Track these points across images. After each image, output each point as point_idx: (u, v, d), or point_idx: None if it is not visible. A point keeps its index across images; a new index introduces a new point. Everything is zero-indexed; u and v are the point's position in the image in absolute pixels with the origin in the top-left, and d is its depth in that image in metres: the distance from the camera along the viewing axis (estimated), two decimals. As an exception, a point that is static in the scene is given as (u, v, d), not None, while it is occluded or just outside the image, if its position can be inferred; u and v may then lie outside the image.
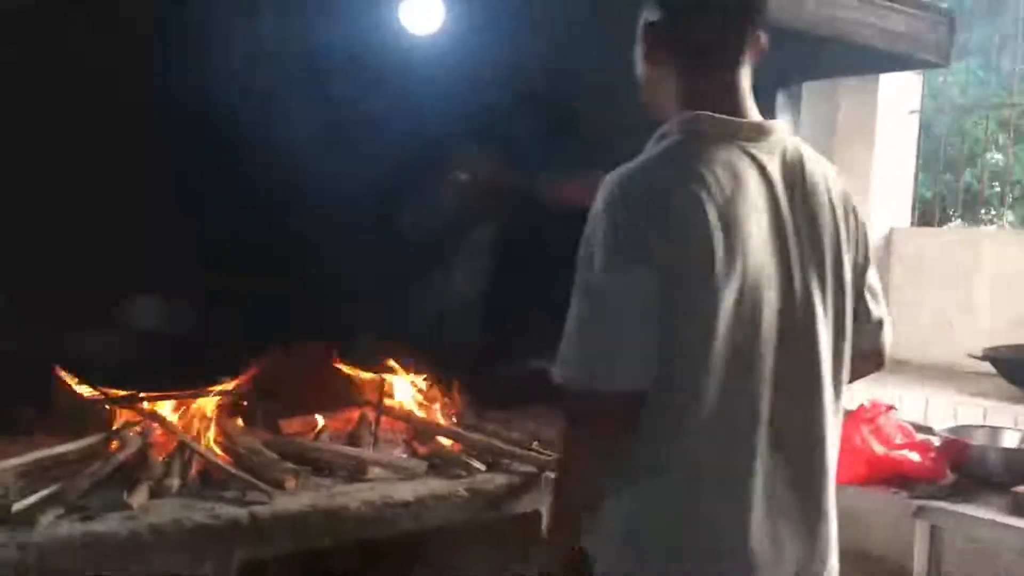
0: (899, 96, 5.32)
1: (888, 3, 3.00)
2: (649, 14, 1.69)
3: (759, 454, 1.57)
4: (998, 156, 11.97)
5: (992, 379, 4.65)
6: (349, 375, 3.32)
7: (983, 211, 10.79)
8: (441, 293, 3.64)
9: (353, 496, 2.62)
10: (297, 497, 2.58)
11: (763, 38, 1.68)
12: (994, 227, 8.65)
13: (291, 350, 3.19)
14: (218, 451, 2.79)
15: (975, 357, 4.60)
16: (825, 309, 1.65)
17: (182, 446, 2.74)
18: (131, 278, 2.99)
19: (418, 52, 2.63)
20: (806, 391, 1.63)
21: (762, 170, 1.59)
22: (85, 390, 2.90)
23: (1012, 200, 10.70)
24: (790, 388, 1.59)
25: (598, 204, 1.52)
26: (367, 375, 3.33)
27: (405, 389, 3.34)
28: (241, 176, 2.94)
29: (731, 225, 1.50)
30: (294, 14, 2.69)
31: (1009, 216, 11.11)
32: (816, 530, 1.66)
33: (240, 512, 2.44)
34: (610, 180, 1.55)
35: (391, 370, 3.35)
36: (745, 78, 1.66)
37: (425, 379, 3.41)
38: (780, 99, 3.54)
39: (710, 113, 1.59)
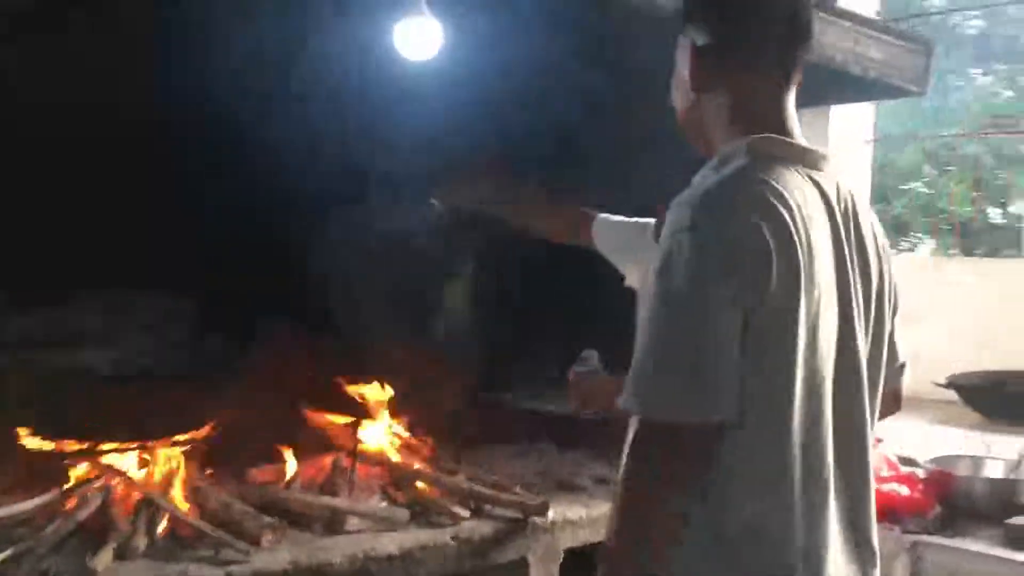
0: (851, 125, 5.35)
1: (868, 30, 2.98)
2: (696, 37, 1.60)
3: (830, 492, 1.49)
4: (919, 185, 12.44)
5: (955, 407, 4.67)
6: (321, 419, 3.15)
7: (901, 239, 11.14)
8: (420, 324, 3.52)
9: (336, 551, 2.47)
10: (276, 553, 2.42)
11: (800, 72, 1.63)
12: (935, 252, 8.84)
13: (259, 392, 3.01)
14: (186, 505, 2.61)
15: (939, 385, 4.61)
16: (867, 345, 1.59)
17: (147, 501, 2.56)
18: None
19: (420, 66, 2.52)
20: (856, 428, 1.56)
21: (826, 199, 1.53)
22: (40, 443, 2.69)
23: (946, 227, 11.09)
24: (845, 424, 1.52)
25: (675, 227, 1.41)
26: (340, 419, 3.15)
27: (380, 432, 3.18)
28: (230, 194, 2.82)
29: (810, 250, 1.43)
30: (294, 20, 2.57)
31: (931, 244, 11.47)
32: (869, 570, 1.59)
33: (216, 573, 2.28)
34: (687, 202, 1.44)
35: (364, 412, 3.17)
36: (792, 103, 1.60)
37: (400, 421, 3.25)
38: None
39: (779, 136, 1.53)
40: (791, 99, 1.59)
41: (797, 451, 1.44)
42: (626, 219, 2.68)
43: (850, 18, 2.98)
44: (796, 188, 1.47)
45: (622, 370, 2.45)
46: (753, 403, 1.40)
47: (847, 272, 1.52)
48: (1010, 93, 11.34)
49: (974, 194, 11.04)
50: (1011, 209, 10.87)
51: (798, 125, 1.58)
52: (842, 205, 1.56)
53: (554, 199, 2.81)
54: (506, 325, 3.66)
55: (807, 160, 1.54)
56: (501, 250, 3.41)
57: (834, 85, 3.10)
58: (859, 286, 1.55)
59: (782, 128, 1.55)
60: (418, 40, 2.36)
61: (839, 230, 1.53)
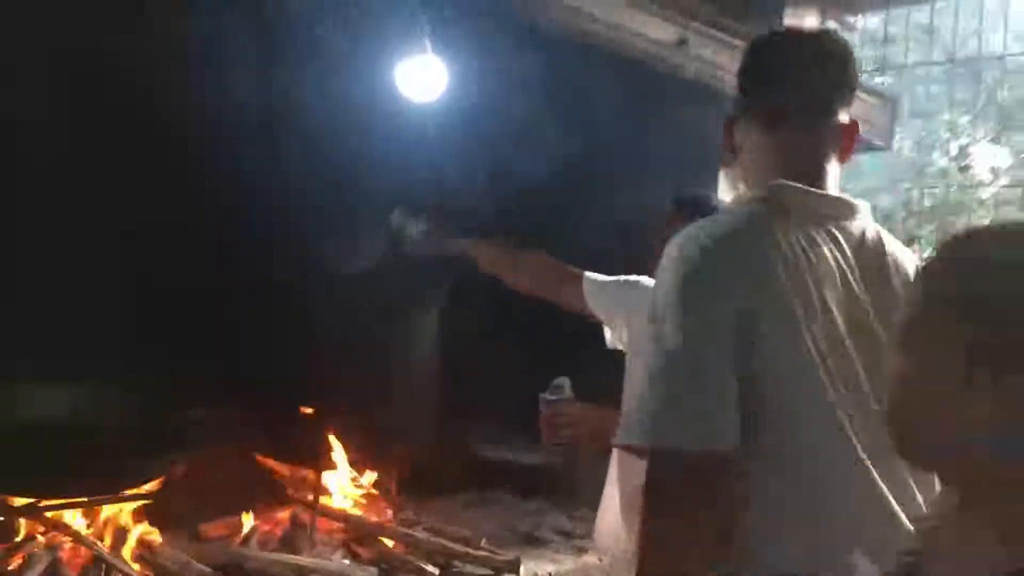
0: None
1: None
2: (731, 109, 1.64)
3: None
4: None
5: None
6: (278, 470, 2.98)
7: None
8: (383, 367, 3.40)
9: (306, 614, 2.33)
10: (240, 618, 2.26)
11: (856, 126, 1.60)
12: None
13: (211, 445, 2.83)
14: (137, 567, 2.42)
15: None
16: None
17: (98, 561, 2.37)
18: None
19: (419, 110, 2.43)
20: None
21: (840, 249, 1.51)
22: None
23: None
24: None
25: (663, 264, 1.43)
26: (298, 470, 2.99)
27: (341, 484, 3.03)
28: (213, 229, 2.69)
29: (803, 287, 1.42)
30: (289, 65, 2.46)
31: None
32: None
33: (179, 640, 2.12)
34: (683, 236, 1.45)
35: (326, 462, 3.02)
36: (824, 159, 1.57)
37: (362, 472, 3.11)
38: (723, 178, 3.51)
39: (793, 184, 1.51)
40: (819, 153, 1.57)
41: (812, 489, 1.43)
42: (611, 278, 2.60)
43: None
44: (799, 232, 1.47)
45: (598, 400, 2.40)
46: (752, 437, 1.38)
47: (857, 320, 1.49)
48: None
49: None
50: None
51: (829, 177, 1.57)
52: (864, 255, 1.54)
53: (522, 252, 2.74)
54: (466, 371, 3.56)
55: (827, 209, 1.53)
56: (463, 298, 3.32)
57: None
58: (880, 334, 1.51)
59: (802, 178, 1.54)
60: (422, 80, 2.25)
61: (852, 280, 1.51)
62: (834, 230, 1.52)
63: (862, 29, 6.23)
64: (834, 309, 1.46)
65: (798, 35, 1.65)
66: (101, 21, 2.18)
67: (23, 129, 2.27)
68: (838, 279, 1.49)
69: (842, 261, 1.51)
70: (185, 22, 2.24)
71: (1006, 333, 0.86)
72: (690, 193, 2.34)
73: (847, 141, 1.58)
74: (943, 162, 11.70)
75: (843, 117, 1.57)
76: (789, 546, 1.44)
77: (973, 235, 1.02)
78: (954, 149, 12.29)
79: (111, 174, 2.38)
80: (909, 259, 1.64)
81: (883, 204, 10.88)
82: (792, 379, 1.41)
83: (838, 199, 1.56)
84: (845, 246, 1.52)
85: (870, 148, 3.34)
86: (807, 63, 1.58)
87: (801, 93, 1.57)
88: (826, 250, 1.49)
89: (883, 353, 1.53)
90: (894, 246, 1.62)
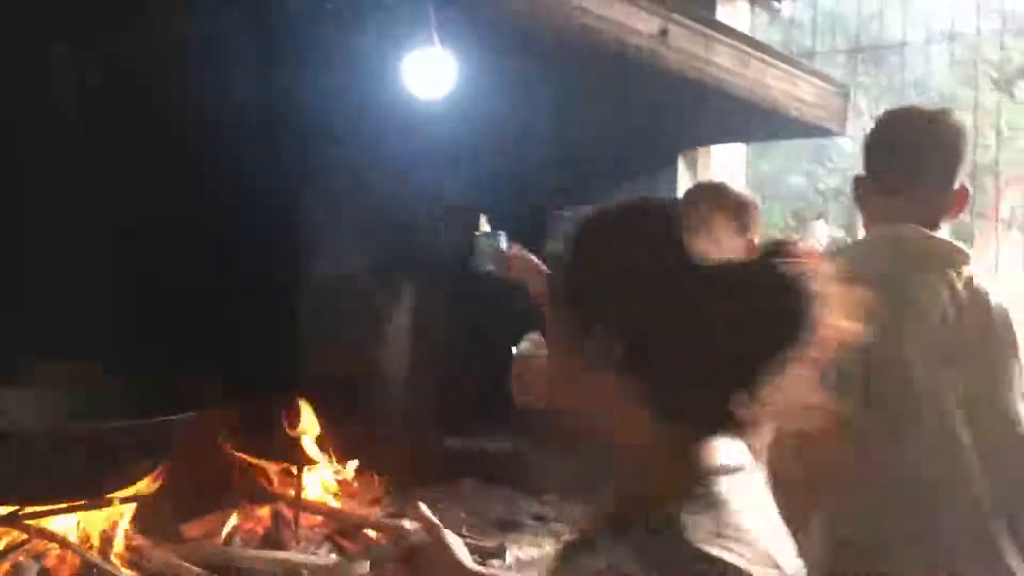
0: (724, 170, 5.52)
1: (800, 72, 3.10)
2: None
3: None
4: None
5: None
6: (257, 466, 2.93)
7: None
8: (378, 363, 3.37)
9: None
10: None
11: (966, 192, 1.84)
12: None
13: (191, 443, 2.76)
14: (127, 572, 2.36)
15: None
16: None
17: (87, 567, 2.30)
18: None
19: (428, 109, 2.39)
20: None
21: (950, 285, 1.75)
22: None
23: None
24: None
25: None
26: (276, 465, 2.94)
27: (322, 477, 2.99)
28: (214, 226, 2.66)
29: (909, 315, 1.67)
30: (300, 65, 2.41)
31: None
32: None
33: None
34: None
35: (305, 456, 2.97)
36: (943, 222, 1.83)
37: (345, 464, 3.08)
38: (681, 163, 3.59)
39: (917, 227, 1.78)
40: (934, 212, 1.82)
41: None
42: None
43: (786, 60, 3.09)
44: (913, 267, 1.74)
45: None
46: None
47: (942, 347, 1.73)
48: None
49: (791, 223, 11.67)
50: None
51: (941, 232, 1.82)
52: (970, 292, 1.76)
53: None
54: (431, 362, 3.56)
55: (943, 253, 1.79)
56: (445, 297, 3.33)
57: (772, 123, 3.23)
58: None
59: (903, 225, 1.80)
60: (429, 75, 2.19)
61: (951, 314, 1.74)
62: (950, 272, 1.79)
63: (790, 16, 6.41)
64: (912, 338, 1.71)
65: (921, 114, 1.88)
66: (101, 21, 2.11)
67: (23, 129, 2.19)
68: (938, 315, 1.74)
69: (948, 299, 1.76)
70: (187, 22, 2.19)
71: (604, 305, 0.91)
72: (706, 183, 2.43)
73: (958, 204, 1.85)
74: (847, 143, 12.13)
75: (956, 184, 1.83)
76: None
77: (589, 214, 1.01)
78: (853, 130, 12.78)
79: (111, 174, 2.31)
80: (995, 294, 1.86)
81: (793, 183, 11.27)
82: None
83: (954, 245, 1.84)
84: (958, 285, 1.78)
85: (826, 133, 3.46)
86: (927, 141, 1.85)
87: (921, 166, 1.85)
88: (936, 287, 1.76)
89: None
90: (988, 284, 1.85)
